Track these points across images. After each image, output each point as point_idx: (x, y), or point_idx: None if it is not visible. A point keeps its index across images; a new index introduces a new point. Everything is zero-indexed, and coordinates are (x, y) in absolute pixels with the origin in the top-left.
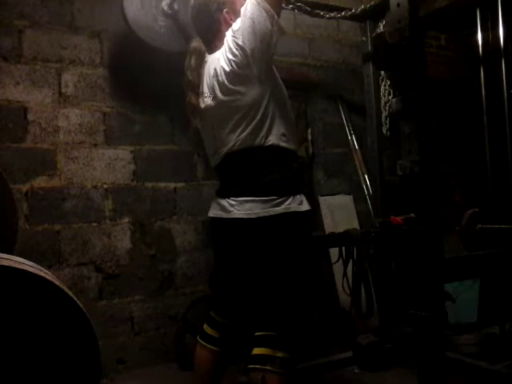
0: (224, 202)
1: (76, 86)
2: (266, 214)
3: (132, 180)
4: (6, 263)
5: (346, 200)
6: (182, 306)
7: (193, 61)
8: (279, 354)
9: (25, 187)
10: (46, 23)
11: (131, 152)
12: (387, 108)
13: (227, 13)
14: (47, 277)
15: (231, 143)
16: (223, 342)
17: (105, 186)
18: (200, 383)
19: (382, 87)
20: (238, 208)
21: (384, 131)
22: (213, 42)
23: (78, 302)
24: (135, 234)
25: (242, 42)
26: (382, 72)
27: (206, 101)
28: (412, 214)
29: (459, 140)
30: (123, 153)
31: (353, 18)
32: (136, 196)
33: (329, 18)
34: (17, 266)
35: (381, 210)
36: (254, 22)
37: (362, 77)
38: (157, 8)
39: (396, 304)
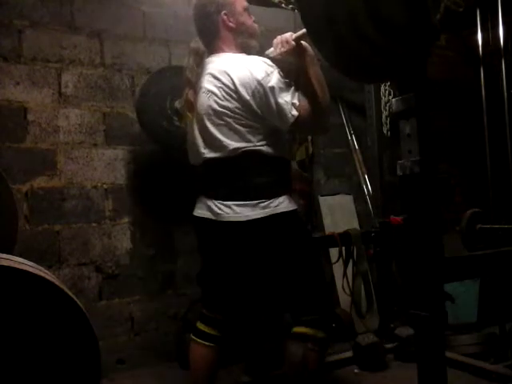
0: (211, 203)
1: (76, 86)
2: (257, 217)
3: (132, 180)
4: (5, 263)
5: (346, 200)
6: (182, 306)
7: (191, 60)
8: (320, 335)
9: (25, 187)
10: (46, 23)
11: (131, 152)
12: (387, 108)
13: (225, 15)
14: (47, 277)
15: (217, 148)
16: (218, 339)
17: (105, 186)
18: (197, 379)
19: (382, 87)
20: (227, 211)
21: (384, 131)
22: (213, 44)
23: (78, 302)
24: (135, 234)
25: (257, 107)
26: None
27: (203, 98)
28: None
29: (459, 140)
30: (123, 153)
31: None
32: (136, 196)
33: None
34: (17, 266)
35: (381, 210)
36: (275, 115)
37: None
38: (171, 109)
39: (396, 304)
